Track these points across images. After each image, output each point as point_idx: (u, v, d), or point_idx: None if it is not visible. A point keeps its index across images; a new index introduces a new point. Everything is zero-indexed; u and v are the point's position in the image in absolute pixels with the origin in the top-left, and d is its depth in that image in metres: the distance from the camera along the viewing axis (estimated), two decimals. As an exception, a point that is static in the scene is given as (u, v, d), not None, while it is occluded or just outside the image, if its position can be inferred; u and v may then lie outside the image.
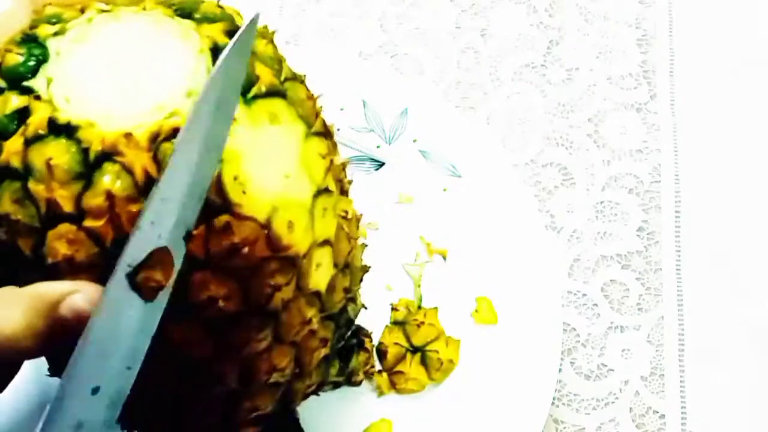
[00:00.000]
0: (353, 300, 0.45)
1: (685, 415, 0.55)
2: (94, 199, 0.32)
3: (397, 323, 0.55)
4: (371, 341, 0.53)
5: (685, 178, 0.62)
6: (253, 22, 0.35)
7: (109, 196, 0.32)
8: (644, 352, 0.57)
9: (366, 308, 0.48)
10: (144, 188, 0.32)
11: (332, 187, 0.39)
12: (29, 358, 0.34)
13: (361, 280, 0.45)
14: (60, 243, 0.33)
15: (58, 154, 0.33)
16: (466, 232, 0.57)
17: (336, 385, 0.49)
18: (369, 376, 0.53)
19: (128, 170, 0.32)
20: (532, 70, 0.67)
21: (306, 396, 0.45)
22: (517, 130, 0.64)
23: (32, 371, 0.52)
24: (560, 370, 0.56)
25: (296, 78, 0.39)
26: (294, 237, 0.36)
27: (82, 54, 0.35)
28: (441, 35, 0.68)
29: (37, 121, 0.33)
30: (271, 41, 0.38)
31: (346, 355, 0.49)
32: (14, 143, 0.33)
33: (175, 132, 0.33)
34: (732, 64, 0.66)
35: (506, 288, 0.55)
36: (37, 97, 0.33)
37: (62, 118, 0.33)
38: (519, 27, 0.68)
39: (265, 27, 0.39)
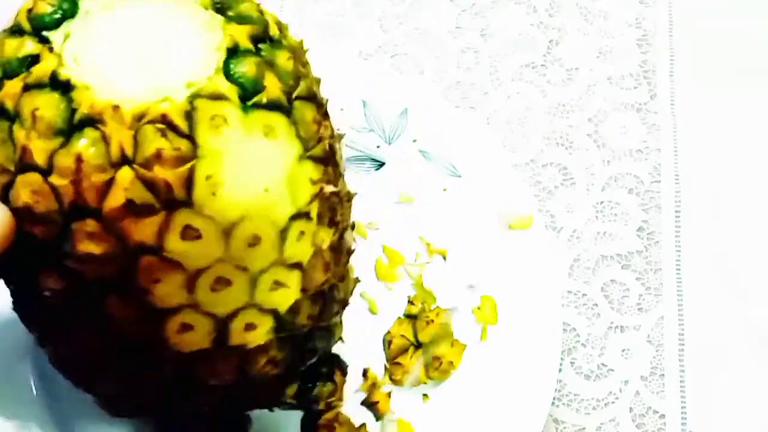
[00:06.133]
0: (327, 330, 0.43)
1: (685, 415, 0.55)
2: (65, 158, 0.33)
3: (409, 316, 0.55)
4: (343, 376, 0.49)
5: (685, 178, 0.62)
6: None
7: (79, 159, 0.33)
8: (644, 352, 0.57)
9: (343, 341, 0.46)
10: (115, 162, 0.33)
11: (314, 214, 0.38)
12: None
13: (338, 313, 0.44)
14: (24, 190, 0.34)
15: (46, 107, 0.33)
16: (466, 232, 0.57)
17: (291, 407, 0.46)
18: (330, 408, 0.50)
19: (106, 140, 0.33)
20: (532, 70, 0.66)
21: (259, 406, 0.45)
22: (517, 130, 0.64)
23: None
24: (560, 370, 0.56)
25: (312, 99, 0.38)
26: (255, 251, 0.36)
27: (105, 20, 0.35)
28: (441, 35, 0.68)
29: (40, 71, 0.34)
30: (295, 57, 0.38)
31: (307, 379, 0.46)
32: (14, 85, 0.34)
33: (161, 117, 0.33)
34: (732, 64, 0.66)
35: (506, 288, 0.55)
36: (51, 49, 0.34)
37: (64, 74, 0.34)
38: (519, 27, 0.68)
39: (301, 42, 0.39)
